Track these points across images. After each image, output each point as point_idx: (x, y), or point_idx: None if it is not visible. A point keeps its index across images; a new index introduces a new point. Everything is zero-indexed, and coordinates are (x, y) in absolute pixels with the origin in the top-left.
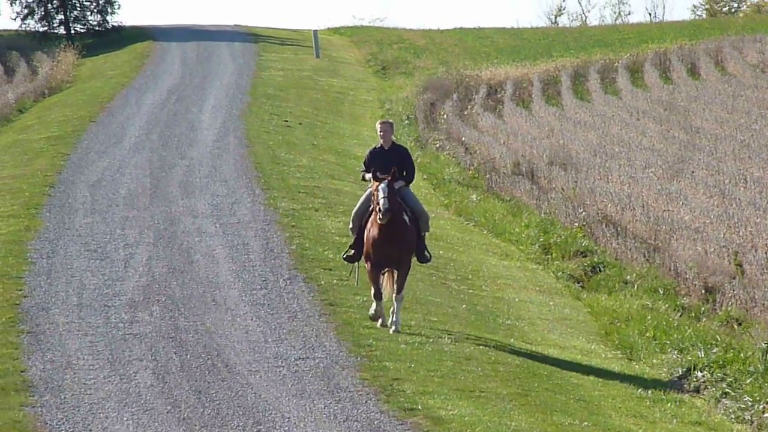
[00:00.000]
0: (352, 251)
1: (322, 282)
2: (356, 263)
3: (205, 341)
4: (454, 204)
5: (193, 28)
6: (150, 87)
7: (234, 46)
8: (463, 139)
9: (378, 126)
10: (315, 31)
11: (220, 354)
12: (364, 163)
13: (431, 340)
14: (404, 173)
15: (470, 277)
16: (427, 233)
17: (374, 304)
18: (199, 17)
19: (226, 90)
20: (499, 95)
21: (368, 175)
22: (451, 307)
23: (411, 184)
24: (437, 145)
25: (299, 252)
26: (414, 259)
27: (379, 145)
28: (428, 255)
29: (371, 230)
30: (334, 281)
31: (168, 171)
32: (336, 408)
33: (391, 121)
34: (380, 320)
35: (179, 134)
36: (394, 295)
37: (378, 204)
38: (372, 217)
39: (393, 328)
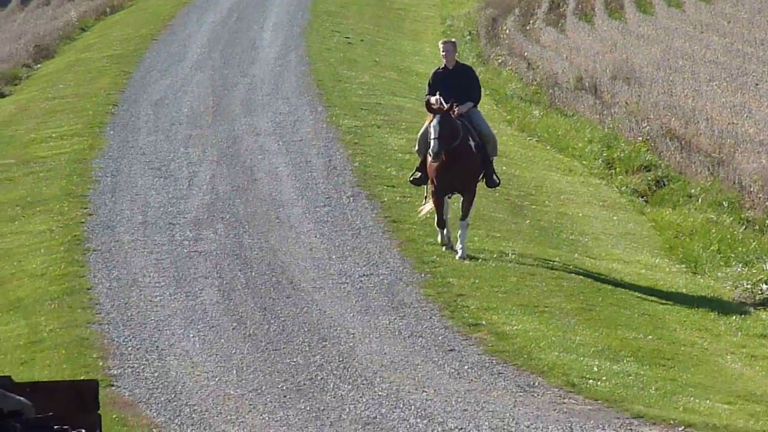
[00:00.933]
0: (419, 174)
1: (385, 199)
2: (425, 186)
3: (269, 259)
4: (517, 120)
5: None
6: (211, 5)
7: None
8: (526, 54)
9: (440, 45)
10: None
11: (285, 271)
12: (429, 84)
13: (495, 255)
14: (470, 94)
15: (533, 192)
16: (495, 157)
17: (439, 233)
18: None
19: (286, 7)
20: (561, 9)
21: (433, 98)
22: (514, 223)
23: (478, 105)
24: (499, 61)
25: (362, 169)
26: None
27: (443, 65)
28: (497, 179)
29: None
30: (397, 198)
31: (230, 89)
32: (400, 324)
33: (453, 40)
34: (445, 246)
35: (240, 52)
36: (459, 221)
37: (429, 143)
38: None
39: (459, 254)
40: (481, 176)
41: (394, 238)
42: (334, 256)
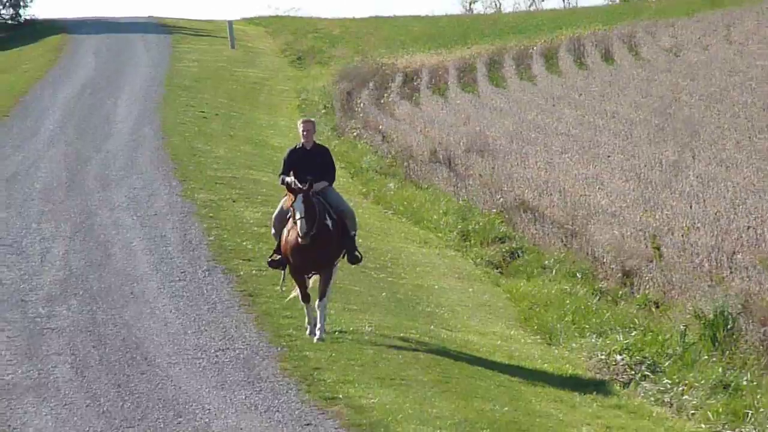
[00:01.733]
0: (278, 256)
1: (241, 273)
2: (282, 269)
3: (123, 334)
4: (373, 192)
5: (107, 20)
6: (64, 80)
7: (148, 38)
8: (381, 127)
9: (300, 125)
10: (230, 22)
11: (140, 347)
12: (284, 162)
13: (351, 328)
14: (325, 175)
15: (390, 265)
16: (356, 232)
17: (305, 309)
18: (113, 9)
19: (141, 82)
20: (415, 83)
21: (288, 179)
22: (371, 296)
23: (333, 184)
24: (354, 134)
25: (218, 243)
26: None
27: (300, 144)
28: (359, 255)
29: (290, 234)
30: (253, 272)
31: (84, 164)
32: (257, 398)
33: (313, 119)
34: (309, 328)
35: (94, 127)
36: (316, 301)
37: (296, 225)
38: (290, 222)
39: (316, 336)
40: (342, 254)
41: (250, 312)
42: (189, 331)
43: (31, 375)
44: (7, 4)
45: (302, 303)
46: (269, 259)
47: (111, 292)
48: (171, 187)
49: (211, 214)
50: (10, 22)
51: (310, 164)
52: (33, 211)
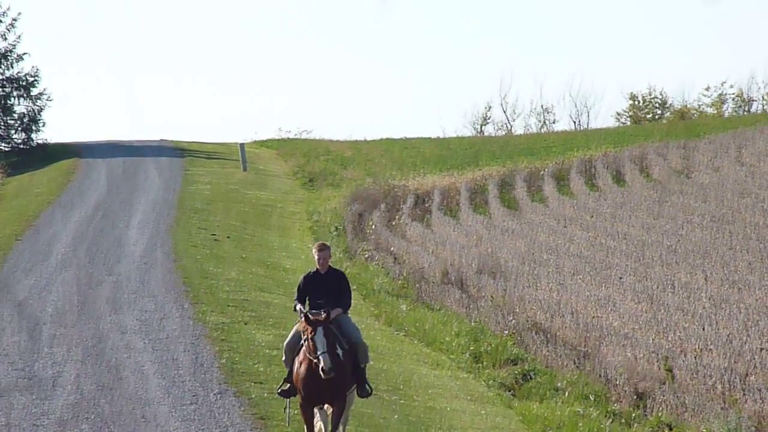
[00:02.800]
0: (288, 385)
1: (253, 395)
2: (290, 398)
3: None
4: (384, 314)
5: (119, 144)
6: (76, 203)
7: (160, 161)
8: (392, 248)
9: (315, 251)
10: (242, 144)
11: None
12: (298, 289)
13: None
14: (340, 300)
15: (402, 387)
16: (367, 364)
17: None
18: (125, 132)
19: (152, 205)
20: (426, 204)
21: (299, 307)
22: (383, 418)
23: (349, 310)
24: (366, 256)
25: (229, 366)
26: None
27: (314, 270)
28: (369, 388)
29: (301, 365)
30: (265, 394)
31: (95, 287)
32: None
33: (328, 244)
34: None
35: (106, 250)
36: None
37: (318, 361)
38: (302, 352)
39: None
40: (352, 386)
41: None
42: None
43: None
44: (20, 128)
45: None
46: (279, 389)
47: (122, 415)
48: (183, 309)
49: (222, 337)
50: (22, 146)
51: (324, 289)
52: (45, 335)
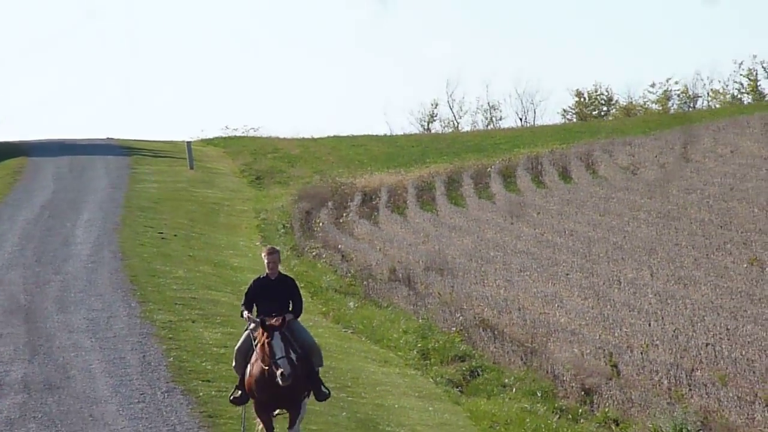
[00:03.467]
0: (239, 392)
1: (201, 394)
2: (244, 406)
3: None
4: (332, 311)
5: (66, 143)
6: (23, 203)
7: (108, 160)
8: (340, 246)
9: (265, 256)
10: (189, 143)
11: None
12: (246, 294)
13: None
14: (290, 307)
15: (350, 384)
16: (321, 368)
17: None
18: (72, 131)
19: (100, 204)
20: (374, 202)
21: (246, 314)
22: (331, 416)
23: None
24: (314, 253)
25: (177, 364)
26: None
27: (264, 274)
28: (326, 391)
29: (254, 367)
30: (213, 393)
31: (42, 287)
32: None
33: (278, 248)
34: None
35: (53, 250)
36: (287, 429)
37: (276, 367)
38: (255, 356)
39: None
40: (308, 391)
41: None
42: None
43: None
44: None
45: None
46: (231, 397)
47: (70, 414)
48: (130, 308)
49: (170, 335)
50: None
51: (274, 295)
52: None
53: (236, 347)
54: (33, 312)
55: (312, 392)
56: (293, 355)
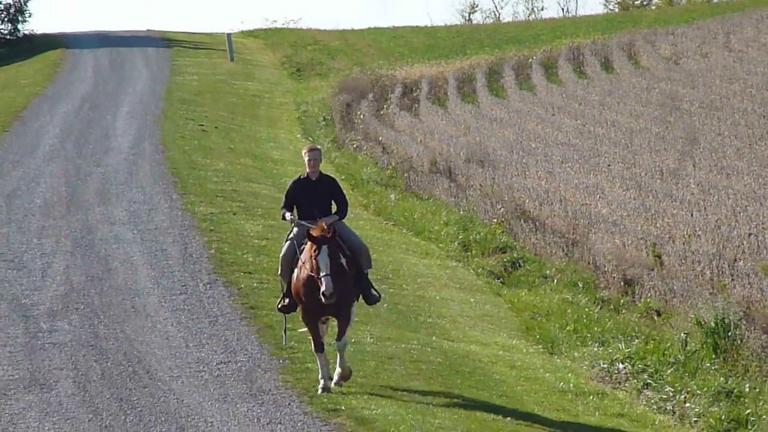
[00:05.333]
0: (287, 300)
1: (243, 286)
2: (287, 315)
3: (125, 348)
4: (373, 204)
5: (106, 35)
6: (63, 95)
7: (147, 52)
8: (381, 138)
9: (306, 154)
10: (228, 35)
11: (141, 361)
12: (287, 195)
13: (353, 340)
14: (338, 209)
15: (391, 276)
16: (370, 269)
17: (318, 360)
18: (112, 23)
19: (140, 96)
20: (414, 94)
21: (288, 216)
22: (372, 308)
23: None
24: (354, 146)
25: (218, 256)
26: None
27: (305, 175)
28: (377, 294)
29: (301, 271)
30: (254, 284)
31: (83, 179)
32: (259, 411)
33: (319, 147)
34: (322, 382)
35: (94, 142)
36: (335, 341)
37: (320, 283)
38: (300, 263)
39: (334, 380)
40: (358, 294)
41: (251, 325)
42: (191, 344)
43: (33, 390)
44: (6, 19)
45: (314, 353)
46: (279, 305)
47: (112, 306)
48: (171, 201)
49: (211, 228)
50: (8, 37)
51: (315, 196)
52: (33, 227)
53: (281, 255)
54: (74, 204)
55: (361, 296)
56: (343, 260)
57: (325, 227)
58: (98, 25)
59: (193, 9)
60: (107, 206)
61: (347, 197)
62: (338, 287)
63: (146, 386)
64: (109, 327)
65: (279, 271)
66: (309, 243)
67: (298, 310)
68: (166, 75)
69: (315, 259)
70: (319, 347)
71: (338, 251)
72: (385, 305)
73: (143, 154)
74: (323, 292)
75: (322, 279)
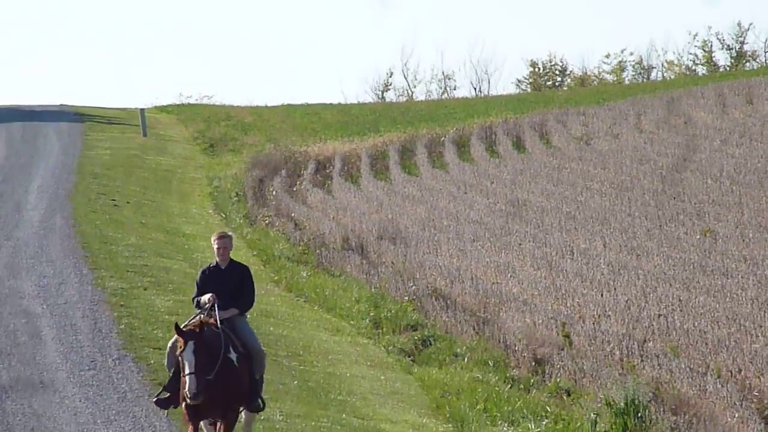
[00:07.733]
0: (168, 393)
1: (152, 361)
2: (168, 410)
3: (32, 424)
4: (285, 280)
5: (19, 109)
6: None
7: (60, 126)
8: (293, 215)
9: (215, 241)
10: (142, 110)
11: None
12: (197, 285)
13: (263, 417)
14: (239, 298)
15: (301, 353)
16: (262, 376)
17: None
18: (25, 97)
19: (52, 170)
20: (327, 171)
21: (205, 297)
22: (282, 384)
23: (247, 312)
24: (267, 222)
25: (128, 331)
26: None
27: (214, 264)
28: (261, 403)
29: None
30: (164, 360)
31: None
32: None
33: (230, 233)
34: None
35: (5, 215)
36: None
37: (185, 383)
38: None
39: None
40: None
41: None
42: (99, 421)
43: None
44: None
45: None
46: (156, 397)
47: (20, 381)
48: (81, 275)
49: (121, 303)
50: None
51: (224, 286)
52: None
53: (170, 343)
54: None
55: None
56: (233, 355)
57: (212, 321)
58: (11, 98)
59: (108, 84)
60: (17, 280)
61: (256, 270)
62: (220, 386)
63: None
64: (17, 402)
65: (164, 361)
66: (179, 340)
67: (180, 408)
68: (78, 149)
69: (179, 355)
70: None
71: (211, 346)
72: (295, 381)
73: (54, 228)
74: (185, 392)
75: (186, 378)
